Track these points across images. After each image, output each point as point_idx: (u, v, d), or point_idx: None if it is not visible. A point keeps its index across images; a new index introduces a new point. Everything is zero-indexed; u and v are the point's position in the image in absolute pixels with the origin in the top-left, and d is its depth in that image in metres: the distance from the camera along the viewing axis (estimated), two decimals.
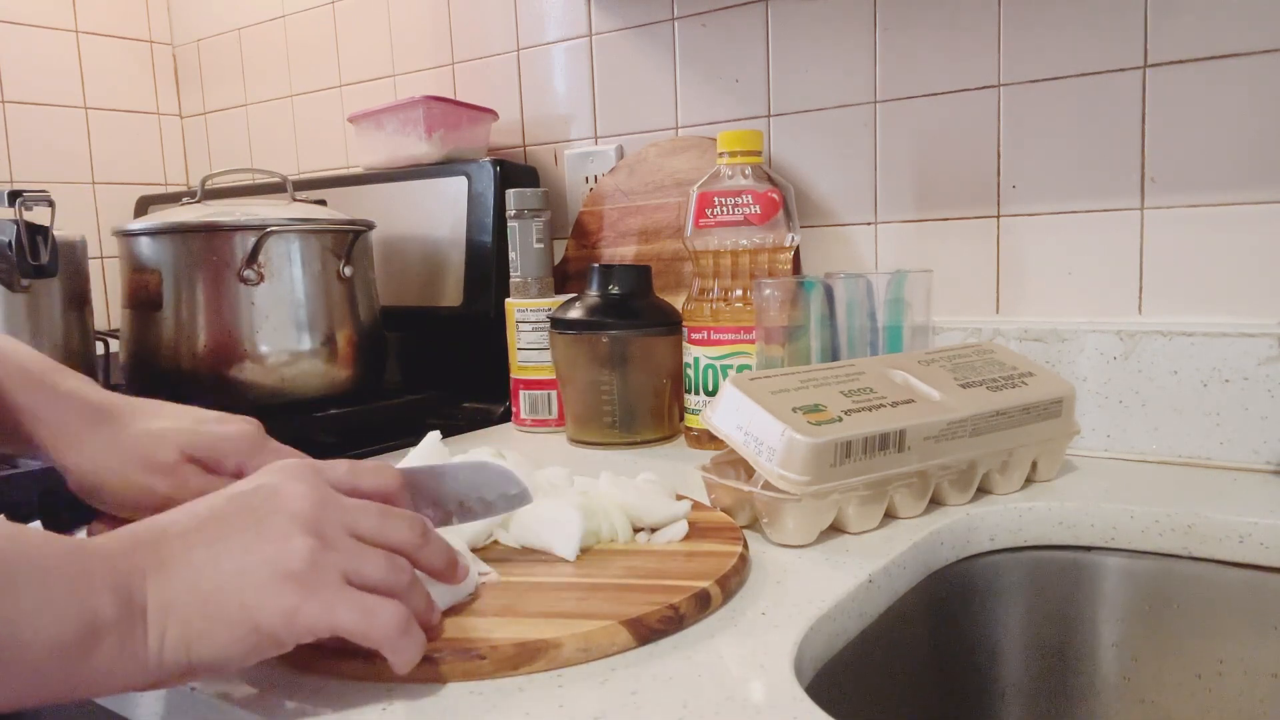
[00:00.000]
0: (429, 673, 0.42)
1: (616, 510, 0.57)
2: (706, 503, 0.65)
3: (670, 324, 0.88)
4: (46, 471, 0.54)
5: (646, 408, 0.89)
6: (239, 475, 0.52)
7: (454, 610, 0.47)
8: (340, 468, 0.45)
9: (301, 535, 0.38)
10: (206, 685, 0.43)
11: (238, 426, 0.54)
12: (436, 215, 1.13)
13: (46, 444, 0.52)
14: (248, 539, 0.38)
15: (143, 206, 1.48)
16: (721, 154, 0.84)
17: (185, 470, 0.51)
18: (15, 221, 0.88)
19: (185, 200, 1.03)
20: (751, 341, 0.81)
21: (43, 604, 0.33)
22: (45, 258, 0.91)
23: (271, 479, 0.41)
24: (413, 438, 0.66)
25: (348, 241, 0.99)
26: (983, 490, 0.69)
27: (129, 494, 0.51)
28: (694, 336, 0.85)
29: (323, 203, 1.09)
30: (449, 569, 0.45)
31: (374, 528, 0.42)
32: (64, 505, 0.54)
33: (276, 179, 1.09)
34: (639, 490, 0.60)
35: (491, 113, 1.17)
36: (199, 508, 0.40)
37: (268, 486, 0.41)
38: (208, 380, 0.93)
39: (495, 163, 1.09)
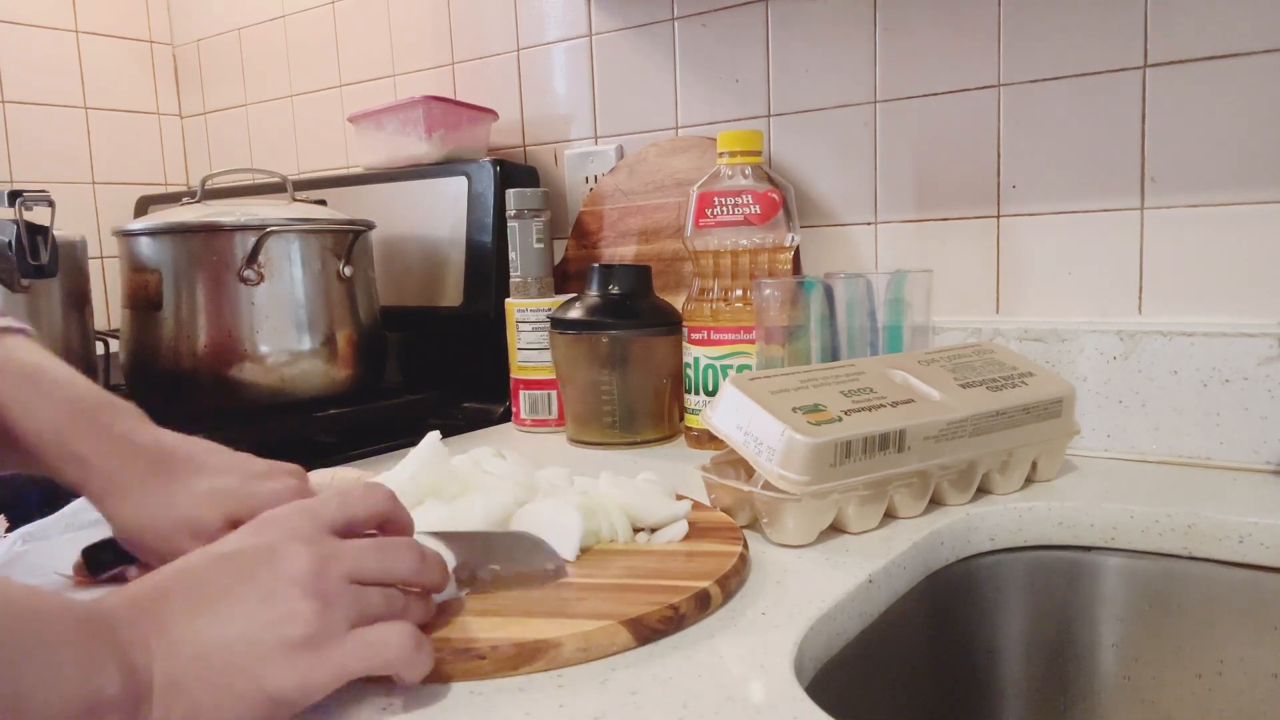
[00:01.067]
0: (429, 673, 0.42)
1: (616, 510, 0.57)
2: (706, 503, 0.65)
3: (670, 324, 0.88)
4: None
5: (646, 408, 0.89)
6: None
7: (455, 610, 0.47)
8: (330, 506, 0.43)
9: (305, 599, 0.38)
10: None
11: (281, 483, 0.53)
12: (436, 215, 1.13)
13: (94, 494, 0.51)
14: (252, 606, 0.38)
15: (143, 206, 1.48)
16: (721, 154, 0.84)
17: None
18: (15, 221, 0.89)
19: (185, 200, 1.03)
20: (751, 341, 0.81)
21: (48, 679, 0.32)
22: (45, 258, 0.91)
23: (268, 537, 0.41)
24: (413, 438, 0.66)
25: (348, 241, 0.99)
26: (983, 490, 0.69)
27: (170, 555, 0.51)
28: (694, 336, 0.85)
29: (323, 203, 1.09)
30: (444, 582, 0.46)
31: (376, 569, 0.41)
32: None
33: (276, 179, 1.09)
34: (639, 490, 0.60)
35: (491, 113, 1.17)
36: (199, 569, 0.39)
37: (266, 547, 0.40)
38: (208, 380, 0.93)
39: (495, 163, 1.09)
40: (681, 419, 0.91)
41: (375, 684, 0.42)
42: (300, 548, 0.40)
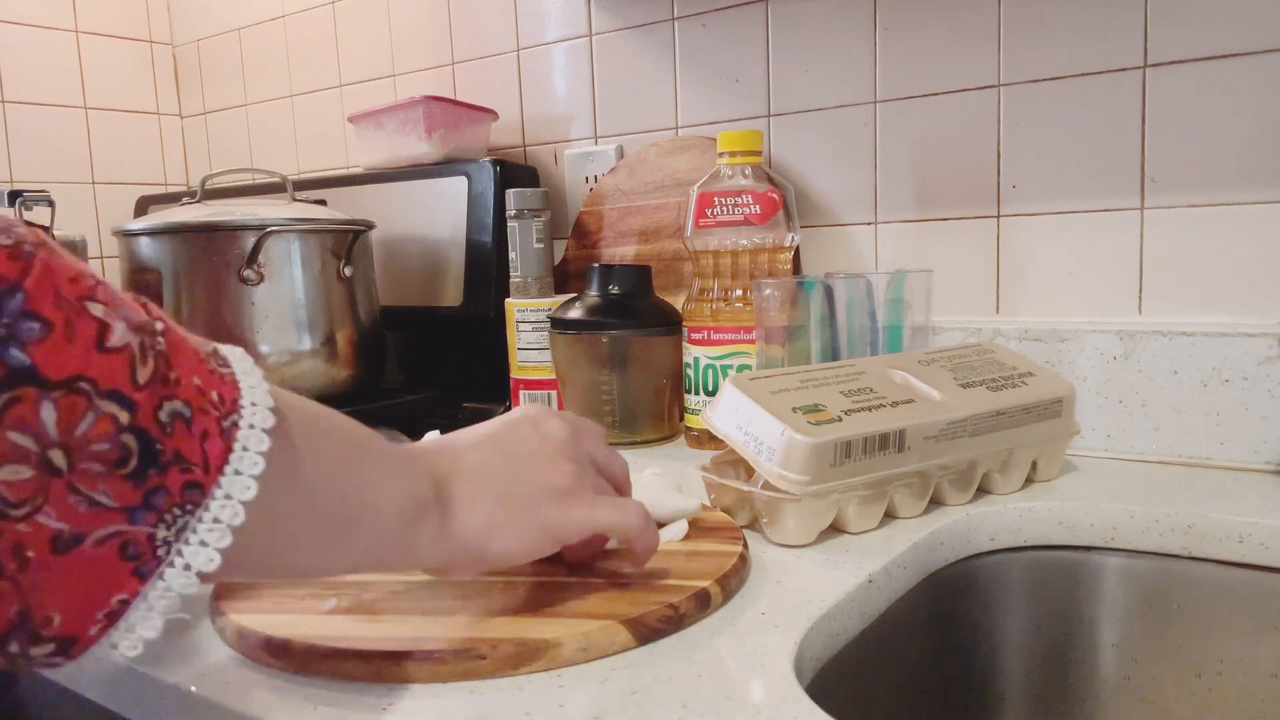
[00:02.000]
0: (428, 672, 0.42)
1: None
2: (707, 502, 0.65)
3: (670, 324, 0.88)
4: None
5: (646, 408, 0.89)
6: None
7: (453, 610, 0.47)
8: (585, 424, 0.52)
9: (567, 461, 0.47)
10: (204, 687, 0.43)
11: None
12: (436, 215, 1.13)
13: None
14: (527, 462, 0.46)
15: (143, 206, 1.48)
16: (721, 154, 0.84)
17: None
18: None
19: (185, 200, 1.03)
20: (751, 341, 0.81)
21: (387, 478, 0.40)
22: None
23: (533, 413, 0.50)
24: (413, 438, 0.66)
25: (348, 241, 0.99)
26: (983, 490, 0.69)
27: None
28: (694, 336, 0.85)
29: (323, 203, 1.09)
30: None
31: (606, 458, 0.51)
32: None
33: (276, 179, 1.09)
34: (648, 485, 0.60)
35: (491, 113, 1.17)
36: (480, 435, 0.47)
37: (532, 420, 0.49)
38: None
39: (495, 163, 1.09)
40: (681, 419, 0.91)
41: (375, 683, 0.42)
42: (559, 424, 0.49)
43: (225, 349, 0.35)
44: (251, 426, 0.32)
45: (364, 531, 0.38)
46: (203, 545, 0.31)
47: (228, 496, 0.31)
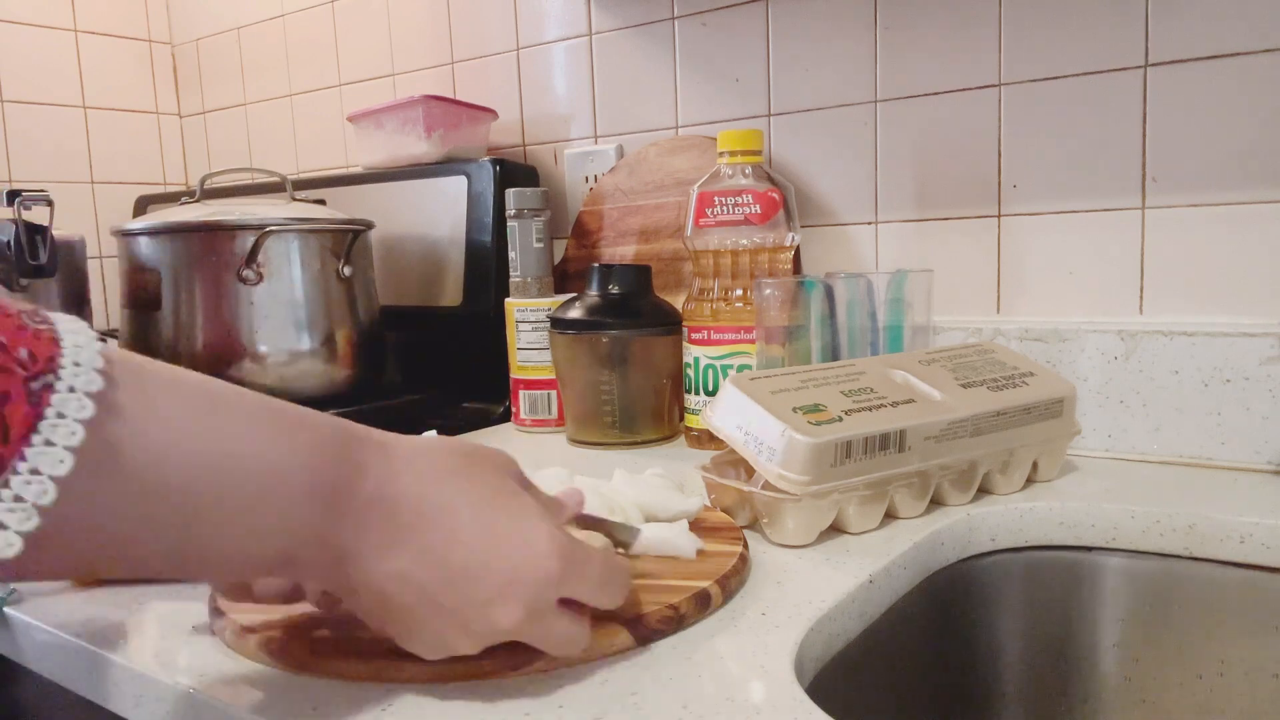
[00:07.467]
0: (429, 672, 0.42)
1: (633, 508, 0.57)
2: (707, 502, 0.65)
3: (670, 324, 0.88)
4: None
5: (646, 408, 0.89)
6: None
7: None
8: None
9: (519, 604, 0.37)
10: (204, 687, 0.43)
11: None
12: (436, 215, 1.13)
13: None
14: (471, 587, 0.38)
15: (141, 206, 1.48)
16: (722, 153, 0.84)
17: None
18: (14, 221, 0.88)
19: (184, 200, 1.03)
20: (751, 341, 0.81)
21: (271, 443, 0.33)
22: (44, 257, 0.91)
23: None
24: None
25: (347, 241, 0.99)
26: (983, 490, 0.69)
27: None
28: (694, 336, 0.85)
29: (322, 202, 1.09)
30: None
31: (588, 595, 0.40)
32: None
33: (276, 179, 1.09)
34: (650, 485, 0.60)
35: (491, 112, 1.17)
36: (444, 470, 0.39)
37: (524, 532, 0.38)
38: None
39: (495, 162, 1.09)
40: (681, 419, 0.90)
41: (375, 684, 0.42)
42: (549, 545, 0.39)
43: (55, 315, 0.30)
44: (72, 390, 0.27)
45: (232, 510, 0.30)
46: (1, 527, 0.26)
47: (34, 471, 0.26)
